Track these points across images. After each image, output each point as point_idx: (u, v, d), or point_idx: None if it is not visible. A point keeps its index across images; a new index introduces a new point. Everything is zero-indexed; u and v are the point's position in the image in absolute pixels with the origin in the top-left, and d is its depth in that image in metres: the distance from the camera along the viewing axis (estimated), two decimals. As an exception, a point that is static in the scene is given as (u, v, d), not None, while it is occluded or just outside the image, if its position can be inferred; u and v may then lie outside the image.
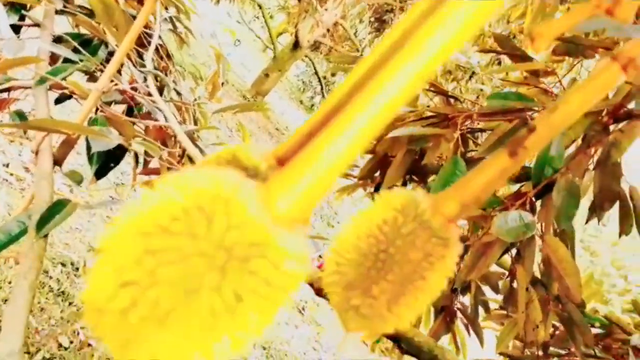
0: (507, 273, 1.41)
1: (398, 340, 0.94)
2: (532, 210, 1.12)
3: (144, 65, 1.74)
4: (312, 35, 3.79)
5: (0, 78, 1.25)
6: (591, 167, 1.15)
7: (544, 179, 1.05)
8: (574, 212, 0.99)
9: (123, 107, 1.64)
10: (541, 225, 1.15)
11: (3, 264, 2.34)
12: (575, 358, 1.24)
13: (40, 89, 1.31)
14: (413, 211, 0.22)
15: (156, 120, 1.54)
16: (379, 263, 0.22)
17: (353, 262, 0.22)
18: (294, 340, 3.52)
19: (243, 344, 0.16)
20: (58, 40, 1.44)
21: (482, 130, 1.49)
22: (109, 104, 1.50)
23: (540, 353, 1.23)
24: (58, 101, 1.48)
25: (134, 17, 1.47)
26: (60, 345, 2.32)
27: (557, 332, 1.38)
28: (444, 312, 1.53)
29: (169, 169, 1.36)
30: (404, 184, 1.59)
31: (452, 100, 1.48)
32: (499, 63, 3.74)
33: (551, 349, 1.31)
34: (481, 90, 3.76)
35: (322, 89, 8.54)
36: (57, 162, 1.34)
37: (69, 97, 1.44)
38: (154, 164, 1.60)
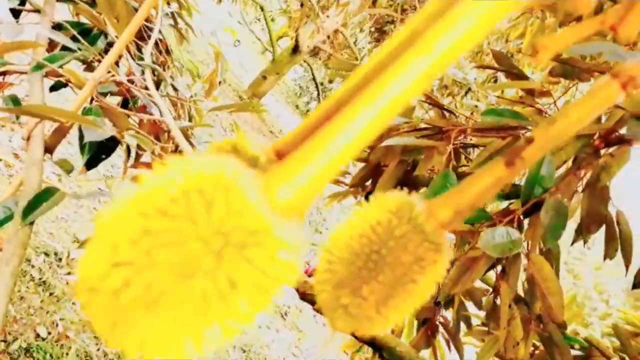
0: (491, 290, 1.42)
1: (380, 348, 0.94)
2: (520, 228, 1.13)
3: (142, 59, 1.74)
4: (312, 41, 3.81)
5: (-3, 61, 1.24)
6: (580, 189, 1.16)
7: (533, 197, 1.05)
8: (561, 232, 1.00)
9: (118, 99, 1.63)
10: (527, 244, 1.16)
11: (-15, 249, 2.31)
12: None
13: (36, 75, 1.31)
14: (407, 214, 0.22)
15: (151, 114, 1.53)
16: (370, 263, 0.22)
17: (345, 261, 0.22)
18: (274, 344, 3.50)
19: (233, 332, 0.16)
20: (57, 27, 1.43)
21: (475, 146, 1.50)
22: (104, 94, 1.49)
23: (519, 371, 1.23)
24: (53, 89, 1.47)
25: (136, 10, 1.46)
26: (37, 336, 2.29)
27: (536, 352, 1.39)
28: (426, 325, 1.53)
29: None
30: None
31: (447, 114, 1.49)
32: (495, 81, 3.78)
33: (530, 367, 1.31)
34: (476, 106, 3.79)
35: (318, 94, 8.56)
36: (48, 149, 1.33)
37: (65, 85, 1.43)
38: (145, 158, 1.60)
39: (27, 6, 1.43)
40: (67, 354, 2.32)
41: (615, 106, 1.05)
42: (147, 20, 1.78)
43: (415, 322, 1.62)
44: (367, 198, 1.76)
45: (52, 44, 1.40)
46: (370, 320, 0.22)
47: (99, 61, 1.49)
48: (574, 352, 1.29)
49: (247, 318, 0.16)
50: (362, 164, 1.67)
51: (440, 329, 1.56)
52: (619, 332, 1.28)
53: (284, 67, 4.37)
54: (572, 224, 1.21)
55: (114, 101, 1.52)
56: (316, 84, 8.40)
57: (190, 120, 1.97)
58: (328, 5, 3.66)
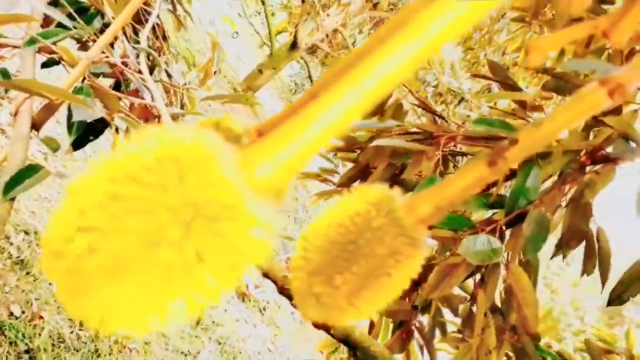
0: (468, 297, 1.43)
1: (354, 347, 0.94)
2: (502, 238, 1.14)
3: (138, 42, 1.73)
4: (311, 39, 3.80)
5: (-11, 32, 1.22)
6: (564, 204, 1.17)
7: (517, 208, 1.06)
8: (541, 245, 1.01)
9: (111, 81, 1.62)
10: (508, 254, 1.16)
11: (-37, 222, 2.28)
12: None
13: (29, 50, 1.29)
14: (386, 207, 0.22)
15: (143, 98, 1.52)
16: (346, 253, 0.22)
17: (320, 249, 0.22)
18: (250, 339, 3.49)
19: (198, 307, 0.16)
20: (54, 3, 1.41)
21: (464, 154, 1.51)
22: (97, 75, 1.48)
23: (491, 380, 1.24)
24: (45, 65, 1.45)
25: (135, -8, 1.45)
26: (11, 314, 2.26)
27: (509, 362, 1.40)
28: (402, 329, 1.54)
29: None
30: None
31: (438, 120, 1.50)
32: (490, 92, 3.80)
33: (502, 377, 1.32)
34: (468, 116, 3.82)
35: (313, 93, 8.50)
36: (36, 126, 1.31)
37: (57, 62, 1.41)
38: (134, 141, 1.58)
39: (24, -21, 1.41)
40: (39, 334, 2.29)
41: (604, 125, 1.07)
42: (145, 3, 1.76)
43: (391, 325, 1.62)
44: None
45: (47, 20, 1.38)
46: (342, 311, 0.22)
47: (94, 41, 1.48)
48: (545, 365, 1.30)
49: (213, 294, 0.16)
50: (351, 164, 1.68)
51: (416, 333, 1.56)
52: (591, 348, 1.30)
53: (280, 63, 4.36)
54: (553, 239, 1.23)
55: (106, 83, 1.51)
56: (312, 81, 8.38)
57: (182, 107, 1.96)
58: (329, 4, 3.66)
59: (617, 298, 1.08)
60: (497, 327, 1.21)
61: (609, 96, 0.19)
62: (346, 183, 1.72)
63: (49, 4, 1.37)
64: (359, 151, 1.62)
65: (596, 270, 1.18)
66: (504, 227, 1.12)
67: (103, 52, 1.40)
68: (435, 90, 4.03)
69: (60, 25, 1.35)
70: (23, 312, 2.32)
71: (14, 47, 1.36)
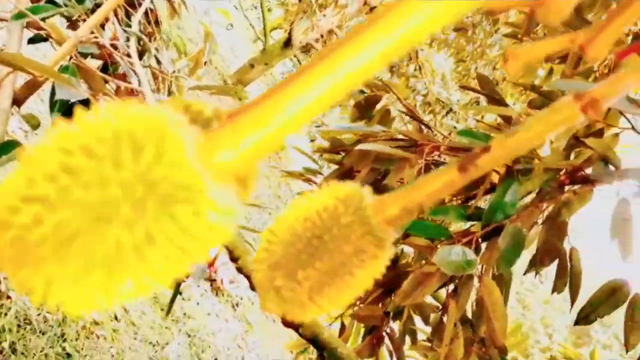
0: (440, 307, 1.44)
1: (322, 348, 0.94)
2: (477, 250, 1.15)
3: (129, 26, 1.71)
4: (306, 37, 3.80)
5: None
6: (540, 221, 1.18)
7: (494, 222, 1.07)
8: (515, 259, 1.02)
9: (98, 63, 1.59)
10: (482, 267, 1.17)
11: None
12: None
13: (16, 24, 1.27)
14: (355, 204, 0.22)
15: (129, 82, 1.50)
16: (310, 248, 0.21)
17: (284, 242, 0.22)
18: (220, 333, 3.47)
19: (147, 289, 0.15)
20: (45, -21, 1.39)
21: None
22: (84, 56, 1.46)
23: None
24: (32, 41, 1.43)
25: (130, -26, 1.43)
26: (-24, 292, 2.22)
27: (475, 373, 1.41)
28: (373, 334, 1.54)
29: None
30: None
31: (424, 129, 1.51)
32: (478, 105, 3.84)
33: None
34: (455, 127, 3.85)
35: (303, 93, 8.50)
36: (17, 102, 1.29)
37: (44, 39, 1.39)
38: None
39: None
40: (5, 314, 2.25)
41: (585, 146, 1.08)
42: (140, -13, 1.74)
43: (362, 329, 1.62)
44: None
45: (37, -4, 1.36)
46: (302, 307, 0.21)
47: (84, 21, 1.45)
48: (510, 379, 1.31)
49: (163, 278, 0.15)
50: (335, 166, 1.68)
51: (386, 339, 1.57)
52: (556, 365, 1.32)
53: (273, 59, 4.35)
54: (528, 255, 1.24)
55: (94, 65, 1.49)
56: (303, 81, 8.35)
57: (169, 95, 1.94)
58: (326, 4, 3.66)
59: (584, 318, 1.10)
60: (466, 338, 1.22)
61: (582, 111, 0.19)
62: (328, 184, 1.72)
63: (41, -21, 1.35)
64: (344, 153, 1.62)
65: (566, 291, 1.20)
66: (480, 240, 1.13)
67: (92, 33, 1.38)
68: (424, 99, 4.05)
69: (50, 1, 1.33)
70: (-10, 291, 2.27)
71: (2, 20, 1.33)
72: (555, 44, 0.19)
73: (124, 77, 1.54)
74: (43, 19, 1.30)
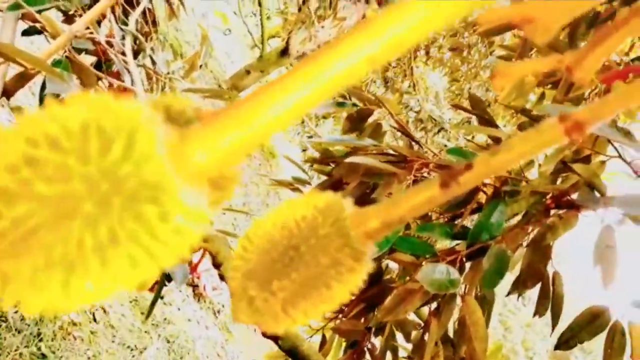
0: (422, 324, 1.43)
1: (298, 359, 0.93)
2: (461, 269, 1.15)
3: (126, 24, 1.70)
4: (303, 47, 3.82)
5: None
6: (525, 243, 1.19)
7: (479, 242, 1.07)
8: (499, 280, 1.02)
9: (92, 59, 1.59)
10: (465, 286, 1.17)
11: None
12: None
13: (11, 15, 1.26)
14: (334, 215, 0.21)
15: (123, 81, 1.49)
16: (286, 258, 0.21)
17: (260, 250, 0.21)
18: (200, 340, 3.42)
19: (108, 293, 0.14)
20: (43, -28, 1.38)
21: (435, 182, 1.52)
22: (79, 51, 1.45)
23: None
24: (26, 33, 1.42)
25: (129, -27, 1.43)
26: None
27: (453, 393, 1.40)
28: (354, 349, 1.53)
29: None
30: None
31: (415, 146, 1.51)
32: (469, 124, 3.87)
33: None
34: (445, 146, 3.88)
35: (298, 102, 8.51)
36: (7, 93, 1.28)
37: (39, 32, 1.38)
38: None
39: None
40: (-20, 310, 2.21)
41: (572, 171, 1.09)
42: (139, -13, 1.74)
43: (344, 344, 1.61)
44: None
45: (34, -12, 1.35)
46: (275, 318, 0.21)
47: (80, 16, 1.45)
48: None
49: (126, 281, 0.14)
50: (325, 177, 1.67)
51: (367, 354, 1.56)
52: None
53: (269, 67, 4.35)
54: (512, 278, 1.24)
55: (88, 61, 1.48)
56: (298, 91, 8.37)
57: (162, 96, 1.93)
58: (325, 15, 3.68)
59: (565, 343, 1.10)
60: (447, 357, 1.22)
61: (566, 133, 0.19)
62: (317, 195, 1.71)
63: (39, -28, 1.34)
64: (334, 165, 1.62)
65: (548, 315, 1.20)
66: (464, 259, 1.13)
67: (88, 28, 1.37)
68: (417, 116, 4.08)
69: (47, -6, 1.32)
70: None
71: (-3, 10, 1.32)
72: (542, 64, 0.19)
73: (117, 75, 1.53)
74: (39, 12, 1.29)
